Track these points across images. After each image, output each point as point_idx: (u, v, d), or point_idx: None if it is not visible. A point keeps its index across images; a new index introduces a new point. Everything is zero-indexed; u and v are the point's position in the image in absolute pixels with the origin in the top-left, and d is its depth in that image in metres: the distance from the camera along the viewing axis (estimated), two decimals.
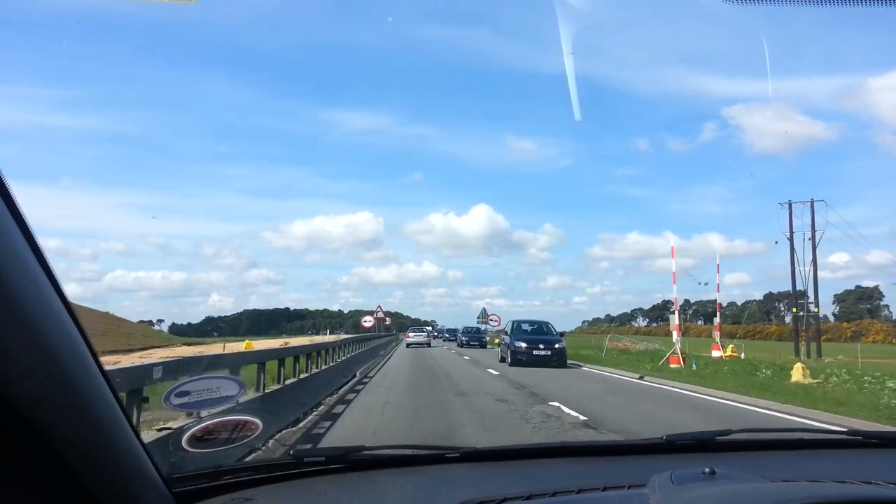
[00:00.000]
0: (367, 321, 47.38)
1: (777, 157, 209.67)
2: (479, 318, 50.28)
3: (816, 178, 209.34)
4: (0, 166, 0.79)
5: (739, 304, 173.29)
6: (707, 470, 1.23)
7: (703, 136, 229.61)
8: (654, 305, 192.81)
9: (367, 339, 30.59)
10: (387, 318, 61.35)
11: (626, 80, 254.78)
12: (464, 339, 43.47)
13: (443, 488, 1.47)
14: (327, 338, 31.46)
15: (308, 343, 17.49)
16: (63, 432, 0.86)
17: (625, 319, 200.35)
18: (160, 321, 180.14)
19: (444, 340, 58.31)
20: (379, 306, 49.42)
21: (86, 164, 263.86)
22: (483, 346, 39.97)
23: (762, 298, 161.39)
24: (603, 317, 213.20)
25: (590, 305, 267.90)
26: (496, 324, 44.33)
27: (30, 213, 0.81)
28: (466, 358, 27.12)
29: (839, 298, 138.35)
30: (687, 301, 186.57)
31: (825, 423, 8.39)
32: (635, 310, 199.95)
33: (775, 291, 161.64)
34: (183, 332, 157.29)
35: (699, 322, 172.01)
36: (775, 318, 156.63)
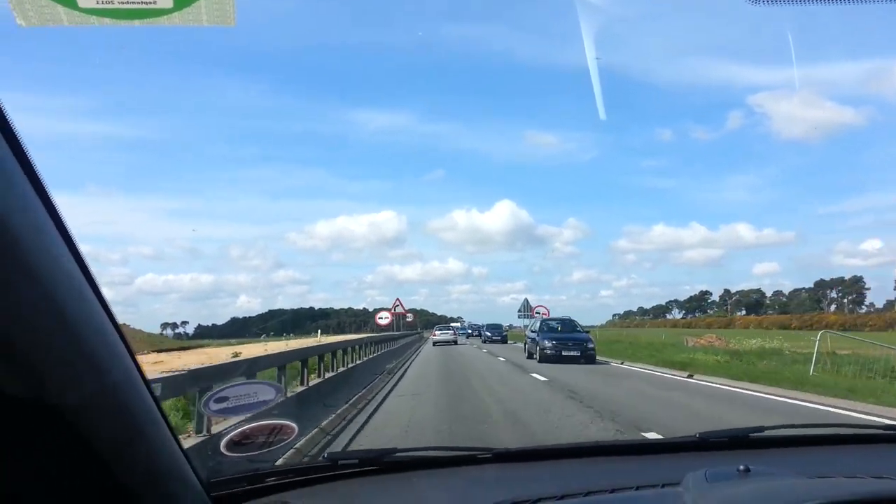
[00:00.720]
0: (383, 318, 38.46)
1: (805, 144, 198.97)
2: (520, 311, 40.65)
3: (847, 163, 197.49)
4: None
5: (785, 293, 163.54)
6: (741, 467, 1.21)
7: (730, 124, 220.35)
8: (690, 297, 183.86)
9: (379, 340, 21.89)
10: (408, 314, 51.85)
11: (650, 70, 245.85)
12: (547, 345, 20.43)
13: (476, 489, 1.50)
14: (308, 341, 22.76)
15: (263, 350, 9.01)
16: (105, 437, 0.85)
17: (659, 312, 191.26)
18: (184, 323, 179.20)
19: (485, 342, 45.18)
20: (398, 300, 40.18)
21: (112, 170, 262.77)
22: (591, 359, 20.20)
23: (813, 286, 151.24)
24: (635, 309, 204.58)
25: (617, 299, 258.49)
26: (544, 316, 33.96)
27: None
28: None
29: None
30: (727, 291, 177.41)
31: None
32: (670, 301, 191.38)
33: (827, 279, 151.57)
34: (207, 334, 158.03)
35: (740, 312, 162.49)
36: (827, 306, 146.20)
